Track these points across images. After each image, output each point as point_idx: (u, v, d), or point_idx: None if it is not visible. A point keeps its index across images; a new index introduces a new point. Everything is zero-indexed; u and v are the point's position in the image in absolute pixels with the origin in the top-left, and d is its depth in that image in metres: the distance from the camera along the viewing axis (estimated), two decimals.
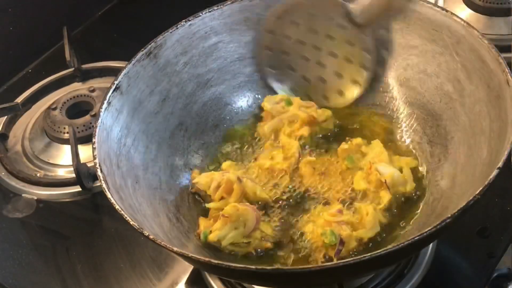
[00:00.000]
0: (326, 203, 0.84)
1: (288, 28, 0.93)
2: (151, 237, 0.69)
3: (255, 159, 0.90)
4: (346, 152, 0.87)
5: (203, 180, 0.86)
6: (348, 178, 0.86)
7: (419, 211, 0.82)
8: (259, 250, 0.81)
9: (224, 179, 0.83)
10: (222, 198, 0.84)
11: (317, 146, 0.91)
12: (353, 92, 0.93)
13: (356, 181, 0.84)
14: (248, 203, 0.83)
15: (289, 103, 0.93)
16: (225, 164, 0.90)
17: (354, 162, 0.86)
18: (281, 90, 0.96)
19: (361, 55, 0.91)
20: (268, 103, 0.93)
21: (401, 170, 0.84)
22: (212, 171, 0.88)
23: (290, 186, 0.86)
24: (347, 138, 0.90)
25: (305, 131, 0.90)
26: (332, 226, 0.78)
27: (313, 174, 0.87)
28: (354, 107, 0.94)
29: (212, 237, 0.80)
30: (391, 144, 0.90)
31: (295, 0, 0.92)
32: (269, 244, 0.81)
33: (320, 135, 0.92)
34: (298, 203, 0.85)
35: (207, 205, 0.84)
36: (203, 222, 0.83)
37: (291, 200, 0.85)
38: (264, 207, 0.85)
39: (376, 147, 0.87)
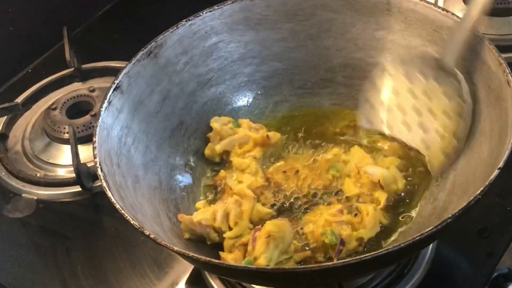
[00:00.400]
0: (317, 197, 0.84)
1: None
2: (152, 236, 0.69)
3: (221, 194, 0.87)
4: (329, 162, 0.87)
5: (207, 214, 0.80)
6: (321, 167, 0.86)
7: (418, 211, 0.82)
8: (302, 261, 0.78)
9: (230, 204, 0.81)
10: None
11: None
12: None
13: (347, 187, 0.84)
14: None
15: (237, 124, 0.92)
16: (198, 205, 0.86)
17: (339, 170, 0.86)
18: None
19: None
20: (217, 124, 0.91)
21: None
22: (207, 206, 0.84)
23: (275, 198, 0.85)
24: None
25: (257, 152, 0.89)
26: (333, 226, 0.78)
27: (288, 178, 0.86)
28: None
29: (262, 262, 0.74)
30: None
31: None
32: (308, 252, 0.78)
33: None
34: (296, 209, 0.84)
35: (226, 235, 0.79)
36: (228, 257, 0.78)
37: (284, 208, 0.84)
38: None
39: (357, 153, 0.87)
